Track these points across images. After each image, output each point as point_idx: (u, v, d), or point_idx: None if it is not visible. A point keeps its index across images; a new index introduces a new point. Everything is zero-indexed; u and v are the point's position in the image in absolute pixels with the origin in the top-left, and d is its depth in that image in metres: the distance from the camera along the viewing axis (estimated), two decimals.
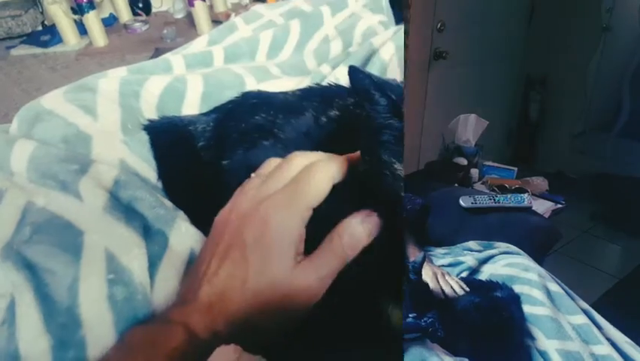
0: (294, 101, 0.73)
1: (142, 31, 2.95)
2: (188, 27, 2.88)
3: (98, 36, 2.76)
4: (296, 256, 0.50)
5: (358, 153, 0.54)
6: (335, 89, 0.75)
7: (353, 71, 0.46)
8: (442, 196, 1.97)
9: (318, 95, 0.72)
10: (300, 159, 0.55)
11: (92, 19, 2.71)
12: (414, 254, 1.39)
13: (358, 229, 0.51)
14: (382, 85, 0.46)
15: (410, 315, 0.97)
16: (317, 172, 0.52)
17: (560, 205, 2.47)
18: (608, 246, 3.00)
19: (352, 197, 0.52)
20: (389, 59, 0.89)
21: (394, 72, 0.88)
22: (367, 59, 0.93)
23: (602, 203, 3.25)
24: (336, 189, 0.52)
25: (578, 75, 3.60)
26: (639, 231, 2.88)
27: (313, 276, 0.50)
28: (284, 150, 0.64)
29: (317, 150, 0.61)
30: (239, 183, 0.57)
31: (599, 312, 0.98)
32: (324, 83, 0.81)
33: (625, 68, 3.22)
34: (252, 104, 0.74)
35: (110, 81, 0.77)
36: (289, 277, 0.49)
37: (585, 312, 0.98)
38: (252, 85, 0.90)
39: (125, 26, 2.96)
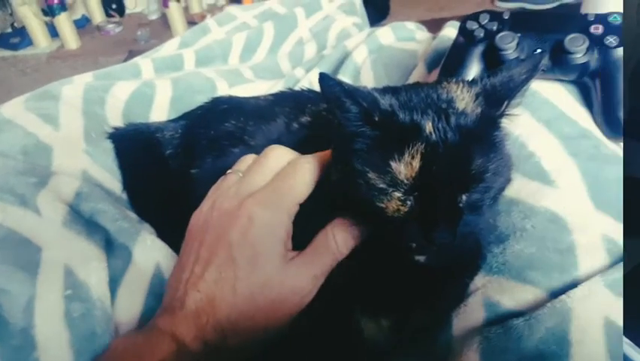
0: (265, 107, 0.71)
1: (115, 33, 2.92)
2: (162, 28, 2.85)
3: (70, 38, 2.72)
4: (285, 253, 0.48)
5: (328, 151, 0.52)
6: (307, 94, 0.73)
7: (323, 79, 0.44)
8: None
9: (290, 101, 0.71)
10: (278, 153, 0.53)
11: (63, 21, 2.67)
12: None
13: (350, 228, 0.48)
14: (353, 92, 0.44)
15: None
16: (302, 167, 0.50)
17: None
18: None
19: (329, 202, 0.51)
20: (362, 62, 0.88)
21: (367, 75, 0.86)
22: (341, 62, 0.92)
23: None
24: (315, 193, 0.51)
25: None
26: (639, 230, 2.88)
27: (307, 274, 0.47)
28: None
29: None
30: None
31: None
32: (297, 88, 0.79)
33: (624, 67, 3.23)
34: (222, 110, 0.72)
35: (75, 88, 0.75)
36: (281, 277, 0.47)
37: None
38: (223, 89, 0.88)
39: (98, 28, 2.93)
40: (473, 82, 0.47)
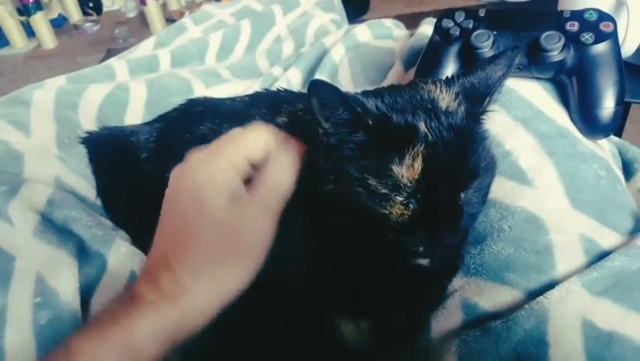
0: (241, 108, 0.70)
1: (93, 32, 2.88)
2: (140, 26, 2.82)
3: (47, 38, 2.68)
4: (233, 194, 0.45)
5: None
6: (283, 95, 0.72)
7: (316, 85, 0.41)
8: None
9: (266, 101, 0.70)
10: (258, 135, 0.48)
11: (39, 20, 2.63)
12: None
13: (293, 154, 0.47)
14: (346, 98, 0.42)
15: None
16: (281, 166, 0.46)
17: None
18: None
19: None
20: (339, 61, 0.88)
21: (345, 74, 0.86)
22: (319, 60, 0.91)
23: None
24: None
25: None
26: None
27: (262, 212, 0.45)
28: None
29: None
30: None
31: None
32: (274, 88, 0.78)
33: None
34: (197, 112, 0.71)
35: (46, 92, 0.73)
36: (238, 220, 0.44)
37: None
38: (199, 90, 0.87)
39: (76, 27, 2.89)
40: (450, 81, 0.47)
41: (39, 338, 0.48)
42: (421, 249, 0.44)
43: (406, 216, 0.42)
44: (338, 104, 0.42)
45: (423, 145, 0.41)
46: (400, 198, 0.42)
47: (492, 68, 0.46)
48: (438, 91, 0.46)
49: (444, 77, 0.54)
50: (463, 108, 0.44)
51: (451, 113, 0.44)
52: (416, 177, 0.41)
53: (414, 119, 0.42)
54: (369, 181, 0.42)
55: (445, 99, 0.45)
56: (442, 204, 0.42)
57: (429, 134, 0.42)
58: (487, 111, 0.47)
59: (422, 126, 0.42)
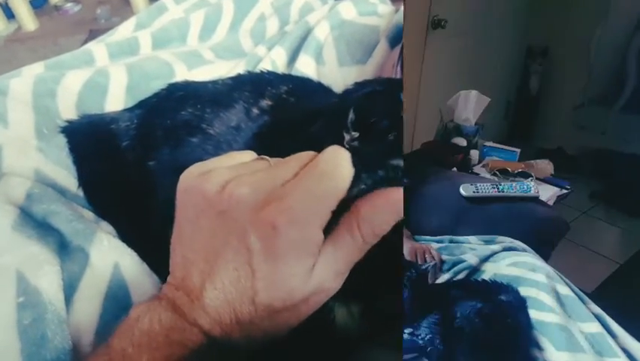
0: (223, 92, 0.68)
1: (74, 12, 2.82)
2: (123, 5, 2.76)
3: (27, 19, 2.62)
4: (312, 265, 0.40)
5: None
6: (267, 77, 0.70)
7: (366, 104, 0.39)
8: (441, 183, 1.74)
9: (249, 84, 0.68)
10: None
11: (18, 2, 2.57)
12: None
13: (383, 217, 0.41)
14: None
15: (406, 331, 0.88)
16: (341, 163, 0.41)
17: (565, 190, 2.12)
18: (609, 228, 2.85)
19: None
20: (324, 39, 0.86)
21: (330, 53, 0.84)
22: (303, 39, 0.89)
23: (602, 181, 3.15)
24: None
25: (580, 47, 3.35)
26: None
27: (332, 275, 0.41)
28: (214, 146, 0.60)
29: (249, 145, 0.58)
30: (167, 186, 0.52)
31: (600, 300, 0.95)
32: (257, 70, 0.76)
33: (630, 40, 3.09)
34: (178, 97, 0.69)
35: (23, 81, 0.71)
36: (306, 283, 0.40)
37: (598, 318, 0.93)
38: (182, 73, 0.85)
39: (56, 7, 2.83)
40: None
41: (23, 338, 0.47)
42: None
43: None
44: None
45: None
46: None
47: None
48: None
49: None
50: None
51: None
52: None
53: None
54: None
55: None
56: None
57: None
58: None
59: None
